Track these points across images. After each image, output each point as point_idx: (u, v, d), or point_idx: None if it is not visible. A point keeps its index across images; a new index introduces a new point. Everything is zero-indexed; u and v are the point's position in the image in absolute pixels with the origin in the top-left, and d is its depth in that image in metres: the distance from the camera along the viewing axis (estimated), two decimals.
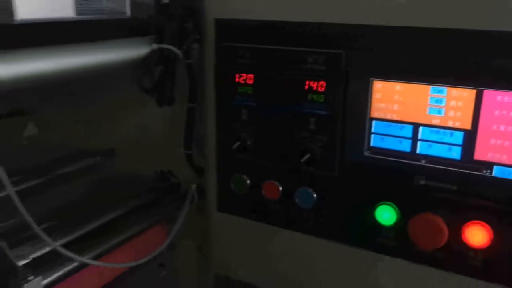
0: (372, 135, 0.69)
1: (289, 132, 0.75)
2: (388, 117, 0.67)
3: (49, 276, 0.64)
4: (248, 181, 0.81)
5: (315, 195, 0.75)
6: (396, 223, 0.70)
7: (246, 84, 0.77)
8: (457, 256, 0.67)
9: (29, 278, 0.57)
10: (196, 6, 0.77)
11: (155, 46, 0.72)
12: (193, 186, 0.88)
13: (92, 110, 1.00)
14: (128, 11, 0.69)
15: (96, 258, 0.74)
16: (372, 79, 0.67)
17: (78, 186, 0.95)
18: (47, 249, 0.66)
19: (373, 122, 0.69)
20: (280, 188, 0.78)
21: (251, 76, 0.76)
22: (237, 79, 0.77)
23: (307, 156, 0.72)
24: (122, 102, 0.95)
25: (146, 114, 0.94)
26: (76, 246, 0.72)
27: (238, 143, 0.78)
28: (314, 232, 0.78)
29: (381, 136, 0.69)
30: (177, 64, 0.74)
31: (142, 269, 0.92)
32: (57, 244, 0.63)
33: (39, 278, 0.58)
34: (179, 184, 0.94)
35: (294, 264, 0.82)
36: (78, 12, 0.61)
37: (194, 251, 0.95)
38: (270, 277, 0.85)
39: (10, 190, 0.59)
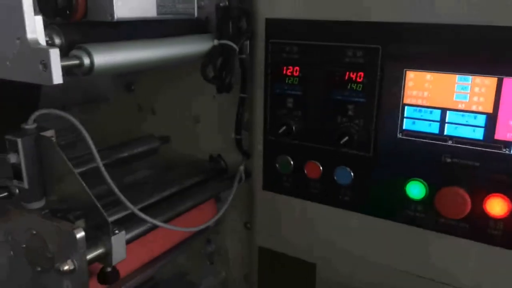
0: (405, 119, 0.79)
1: (330, 117, 0.85)
2: (419, 103, 0.77)
3: (128, 233, 0.76)
4: (292, 162, 0.92)
5: (352, 173, 0.86)
6: (424, 197, 0.79)
7: (292, 76, 0.88)
8: (479, 226, 0.76)
9: (115, 232, 0.69)
10: (249, 8, 0.88)
11: (216, 41, 0.84)
12: (241, 168, 0.99)
13: (158, 100, 1.13)
14: (195, 13, 0.81)
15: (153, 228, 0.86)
16: (405, 69, 0.77)
17: (142, 166, 1.08)
18: (126, 212, 0.79)
19: (406, 108, 0.79)
20: (321, 168, 0.89)
21: (297, 68, 0.87)
22: (284, 71, 0.88)
23: (346, 138, 0.83)
24: (182, 94, 1.07)
25: (199, 106, 1.06)
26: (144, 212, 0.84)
27: (284, 127, 0.89)
28: (351, 207, 0.88)
29: (413, 119, 0.79)
30: (234, 58, 0.86)
31: (191, 243, 1.04)
32: (135, 209, 0.75)
33: (123, 232, 0.70)
34: (227, 166, 1.05)
35: (332, 236, 0.92)
36: (159, 12, 0.73)
37: (240, 227, 1.06)
38: (310, 249, 0.95)
39: (100, 164, 0.71)
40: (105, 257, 0.69)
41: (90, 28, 0.70)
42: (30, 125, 0.70)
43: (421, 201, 0.80)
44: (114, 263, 0.70)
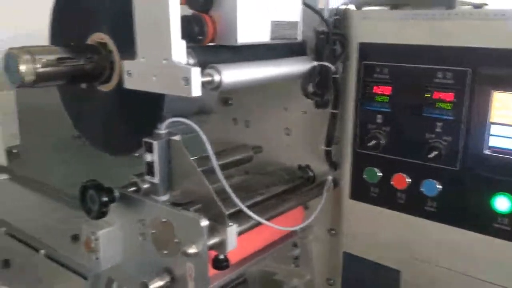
0: (491, 137, 0.85)
1: (418, 133, 0.93)
2: (505, 121, 0.83)
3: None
4: (379, 174, 1.00)
5: (439, 186, 0.92)
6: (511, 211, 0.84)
7: (382, 94, 0.96)
8: None
9: (230, 224, 0.80)
10: (344, 33, 0.99)
11: (316, 63, 0.95)
12: (330, 178, 1.08)
13: (252, 114, 1.26)
14: (299, 37, 0.93)
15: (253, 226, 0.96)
16: (493, 91, 0.84)
17: (237, 172, 1.20)
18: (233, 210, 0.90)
19: (492, 126, 0.85)
20: (408, 180, 0.96)
21: (388, 88, 0.96)
22: (374, 90, 0.97)
23: (435, 153, 0.90)
24: (275, 109, 1.19)
25: (290, 120, 1.17)
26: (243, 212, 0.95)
27: (373, 141, 0.98)
28: (436, 218, 0.94)
29: (499, 137, 0.84)
30: (330, 77, 0.96)
31: (279, 247, 1.14)
32: (243, 206, 0.86)
33: (236, 225, 0.81)
34: (315, 176, 1.15)
35: (416, 245, 0.98)
36: (271, 38, 0.86)
37: (324, 233, 1.15)
38: (394, 256, 1.02)
39: (216, 166, 0.83)
40: (220, 246, 0.81)
41: (216, 51, 0.83)
42: (162, 130, 0.84)
43: (508, 215, 0.85)
44: (227, 251, 0.81)
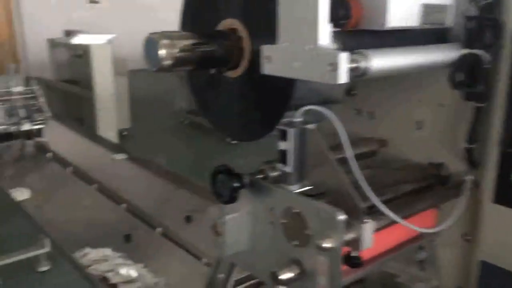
0: None
1: None
2: None
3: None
4: None
5: None
6: None
7: None
8: None
9: (366, 220, 0.76)
10: (499, 18, 0.88)
11: (465, 51, 0.86)
12: (469, 178, 0.98)
13: (377, 104, 1.19)
14: (449, 22, 0.84)
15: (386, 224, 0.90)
16: None
17: (360, 166, 1.14)
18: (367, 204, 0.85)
19: None
20: None
21: None
22: None
23: None
24: (405, 100, 1.11)
25: (422, 113, 1.08)
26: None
27: None
28: None
29: None
30: (483, 67, 0.86)
31: (406, 249, 1.06)
32: (380, 203, 0.80)
33: (373, 222, 0.77)
34: (450, 175, 1.05)
35: None
36: (421, 22, 0.78)
37: (457, 238, 1.05)
38: None
39: (351, 156, 0.79)
40: (354, 242, 0.76)
41: (358, 36, 0.78)
42: (298, 118, 0.81)
43: None
44: (361, 249, 0.76)
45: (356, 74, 0.73)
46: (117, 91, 5.72)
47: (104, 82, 5.41)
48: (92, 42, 5.36)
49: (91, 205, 1.84)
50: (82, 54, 5.80)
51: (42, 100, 2.58)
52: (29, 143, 2.54)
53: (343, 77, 0.68)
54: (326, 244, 0.73)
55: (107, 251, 1.42)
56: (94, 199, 1.89)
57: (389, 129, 1.16)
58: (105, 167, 2.22)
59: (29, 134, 2.56)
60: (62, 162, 2.26)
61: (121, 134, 6.14)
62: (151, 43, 0.94)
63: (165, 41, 0.94)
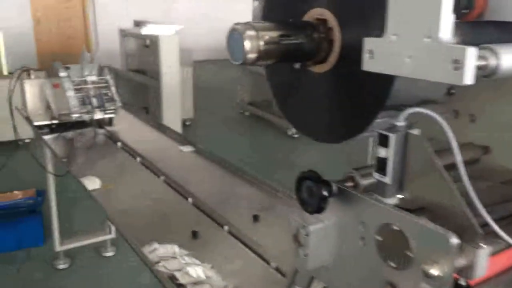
0: None
1: None
2: None
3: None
4: None
5: None
6: None
7: None
8: None
9: (481, 245, 0.65)
10: None
11: None
12: None
13: (479, 107, 1.06)
14: None
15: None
16: None
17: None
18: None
19: None
20: None
21: None
22: None
23: None
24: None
25: None
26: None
27: None
28: None
29: None
30: None
31: None
32: (496, 226, 0.68)
33: (489, 247, 0.65)
34: None
35: None
36: None
37: None
38: None
39: (462, 167, 0.68)
40: (465, 269, 0.65)
41: (482, 27, 0.66)
42: (401, 122, 0.71)
43: None
44: (473, 278, 0.65)
45: (484, 73, 0.62)
46: (182, 81, 5.80)
47: (171, 72, 5.51)
48: (161, 32, 5.45)
49: (158, 197, 1.82)
50: (151, 44, 5.94)
51: (113, 90, 2.62)
52: (100, 131, 2.58)
53: (469, 77, 0.57)
54: (434, 271, 0.63)
55: (175, 248, 1.39)
56: (161, 191, 1.88)
57: (492, 134, 1.03)
58: (172, 159, 2.21)
59: (100, 123, 2.61)
60: (131, 152, 2.28)
61: (184, 123, 6.24)
62: (235, 34, 0.88)
63: (250, 33, 0.87)
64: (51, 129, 2.63)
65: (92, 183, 1.88)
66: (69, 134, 2.63)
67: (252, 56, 0.87)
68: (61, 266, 3.26)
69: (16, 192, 3.73)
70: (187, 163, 2.25)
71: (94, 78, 2.67)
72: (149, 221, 1.68)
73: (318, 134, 1.05)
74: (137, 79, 6.25)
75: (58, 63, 2.67)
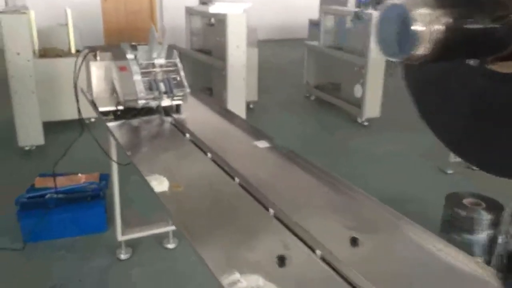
0: None
1: None
2: None
3: None
4: None
5: None
6: None
7: None
8: None
9: None
10: None
11: None
12: None
13: None
14: None
15: None
16: None
17: None
18: None
19: None
20: None
21: None
22: None
23: None
24: None
25: None
26: None
27: None
28: None
29: None
30: None
31: None
32: None
33: None
34: None
35: None
36: None
37: None
38: None
39: None
40: None
41: None
42: None
43: None
44: None
45: None
46: (247, 63, 5.52)
47: (237, 53, 5.24)
48: (229, 11, 5.17)
49: (234, 205, 1.55)
50: (217, 23, 5.68)
51: (182, 74, 2.37)
52: (167, 119, 2.35)
53: None
54: None
55: (260, 281, 1.11)
56: (236, 196, 1.60)
57: None
58: (247, 157, 1.92)
59: (167, 110, 2.38)
60: (201, 145, 2.02)
61: (247, 106, 5.97)
62: (396, 15, 0.56)
63: (424, 12, 0.55)
64: (116, 115, 2.44)
65: (160, 184, 1.64)
66: (135, 122, 2.43)
67: (426, 47, 0.55)
68: (123, 257, 3.14)
69: (80, 175, 3.65)
70: (265, 163, 1.97)
71: (162, 61, 2.43)
72: (225, 238, 1.41)
73: (489, 162, 0.72)
74: (202, 59, 6.04)
75: (125, 44, 2.45)
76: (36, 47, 5.19)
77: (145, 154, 2.11)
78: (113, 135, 2.29)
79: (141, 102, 2.35)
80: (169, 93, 2.41)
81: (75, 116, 5.21)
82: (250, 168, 1.84)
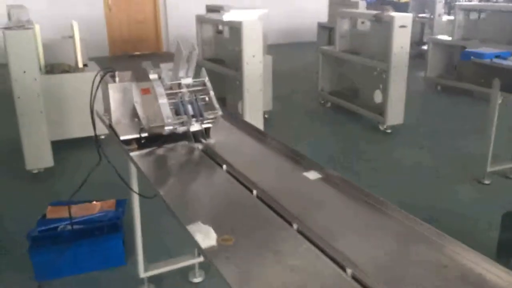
0: None
1: None
2: None
3: None
4: None
5: None
6: None
7: None
8: None
9: None
10: None
11: None
12: None
13: None
14: None
15: None
16: None
17: None
18: None
19: None
20: None
21: None
22: None
23: None
24: None
25: None
26: None
27: None
28: None
29: None
30: None
31: None
32: None
33: None
34: None
35: None
36: None
37: None
38: None
39: None
40: None
41: None
42: None
43: None
44: None
45: None
46: (264, 72, 5.23)
47: (253, 62, 4.95)
48: (243, 18, 4.89)
49: (304, 267, 1.26)
50: (231, 31, 5.40)
51: (212, 95, 2.08)
52: (197, 146, 2.06)
53: None
54: None
55: None
56: (291, 242, 1.32)
57: None
58: (301, 195, 1.63)
59: (195, 135, 2.09)
60: (243, 180, 1.72)
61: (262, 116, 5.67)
62: None
63: None
64: (139, 143, 2.15)
65: (206, 238, 1.35)
66: (160, 150, 2.14)
67: None
68: None
69: (94, 202, 3.36)
70: (323, 201, 1.67)
71: (189, 80, 2.15)
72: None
73: None
74: (214, 69, 5.76)
75: (148, 62, 2.17)
76: (42, 63, 4.93)
77: (179, 191, 1.82)
78: (139, 168, 1.99)
79: (168, 129, 2.07)
80: (198, 116, 2.12)
81: (83, 133, 4.98)
82: (309, 210, 1.55)
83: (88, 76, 5.06)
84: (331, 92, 7.04)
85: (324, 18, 10.70)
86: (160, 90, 2.08)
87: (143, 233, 2.83)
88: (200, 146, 2.15)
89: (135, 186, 2.47)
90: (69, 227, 3.02)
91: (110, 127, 2.27)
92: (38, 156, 4.41)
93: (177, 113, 2.11)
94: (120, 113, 2.23)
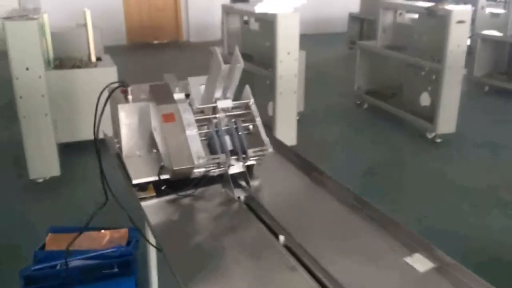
0: None
1: None
2: None
3: None
4: None
5: None
6: None
7: None
8: None
9: None
10: None
11: None
12: None
13: None
14: None
15: None
16: None
17: None
18: None
19: None
20: None
21: None
22: None
23: None
24: None
25: None
26: None
27: None
28: None
29: None
30: None
31: None
32: None
33: None
34: None
35: None
36: None
37: None
38: None
39: None
40: None
41: None
42: None
43: None
44: None
45: None
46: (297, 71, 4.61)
47: (288, 60, 4.32)
48: (277, 10, 4.25)
49: None
50: (263, 24, 4.78)
51: (259, 123, 1.47)
52: (236, 196, 1.46)
53: None
54: None
55: None
56: None
57: None
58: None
59: (234, 177, 1.48)
60: (311, 266, 1.11)
61: None
62: None
63: None
64: (158, 188, 1.57)
65: None
66: (186, 200, 1.56)
67: None
68: None
69: (103, 231, 2.82)
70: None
71: (229, 103, 1.55)
72: None
73: None
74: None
75: (170, 75, 1.58)
76: (51, 56, 4.38)
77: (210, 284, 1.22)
78: (152, 228, 1.41)
79: (199, 172, 1.48)
80: (240, 154, 1.53)
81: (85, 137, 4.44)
82: None
83: (101, 72, 4.57)
84: (368, 92, 6.37)
85: (355, 8, 9.96)
86: (188, 117, 1.49)
87: (159, 270, 2.29)
88: (241, 196, 1.55)
89: (151, 237, 1.90)
90: (71, 263, 2.49)
91: (119, 159, 1.70)
92: (43, 163, 3.88)
93: (210, 148, 1.53)
94: (133, 142, 1.65)
